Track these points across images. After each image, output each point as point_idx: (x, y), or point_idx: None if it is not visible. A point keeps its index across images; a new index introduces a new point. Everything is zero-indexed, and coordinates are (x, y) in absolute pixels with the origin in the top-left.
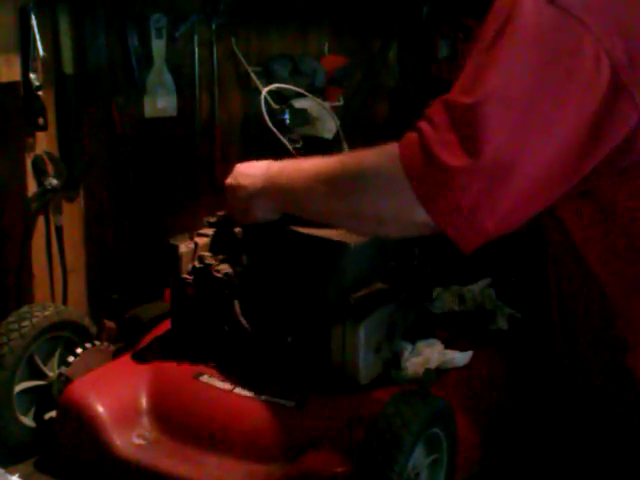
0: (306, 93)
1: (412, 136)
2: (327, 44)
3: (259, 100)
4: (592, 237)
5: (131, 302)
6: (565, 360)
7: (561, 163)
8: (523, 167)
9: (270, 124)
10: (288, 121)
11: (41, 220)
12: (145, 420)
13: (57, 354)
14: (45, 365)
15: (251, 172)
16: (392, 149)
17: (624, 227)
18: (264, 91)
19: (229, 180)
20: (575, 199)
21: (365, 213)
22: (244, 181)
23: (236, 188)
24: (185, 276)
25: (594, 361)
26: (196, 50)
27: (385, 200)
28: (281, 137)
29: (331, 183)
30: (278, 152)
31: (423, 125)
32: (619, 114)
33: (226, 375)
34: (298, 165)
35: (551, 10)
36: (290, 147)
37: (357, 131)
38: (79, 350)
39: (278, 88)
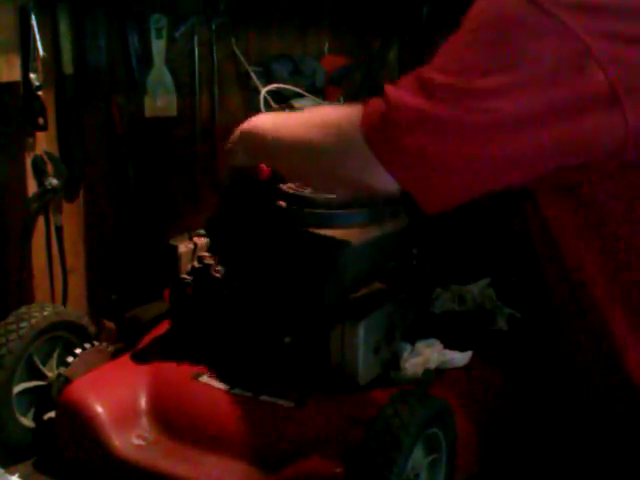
0: (305, 93)
1: (376, 101)
2: (327, 44)
3: (259, 100)
4: (570, 232)
5: (130, 302)
6: (562, 358)
7: (533, 158)
8: (489, 151)
9: None
10: None
11: (41, 220)
12: (144, 420)
13: (56, 354)
14: (44, 366)
15: (253, 119)
16: (356, 114)
17: (600, 227)
18: (263, 91)
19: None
20: (557, 192)
21: (324, 173)
22: (242, 126)
23: (234, 133)
24: (184, 276)
25: (589, 359)
26: (196, 50)
27: (344, 162)
28: None
29: (296, 140)
30: None
31: (390, 92)
32: (607, 126)
33: (225, 375)
34: (276, 117)
35: (535, 12)
36: None
37: None
38: (78, 350)
39: (278, 88)
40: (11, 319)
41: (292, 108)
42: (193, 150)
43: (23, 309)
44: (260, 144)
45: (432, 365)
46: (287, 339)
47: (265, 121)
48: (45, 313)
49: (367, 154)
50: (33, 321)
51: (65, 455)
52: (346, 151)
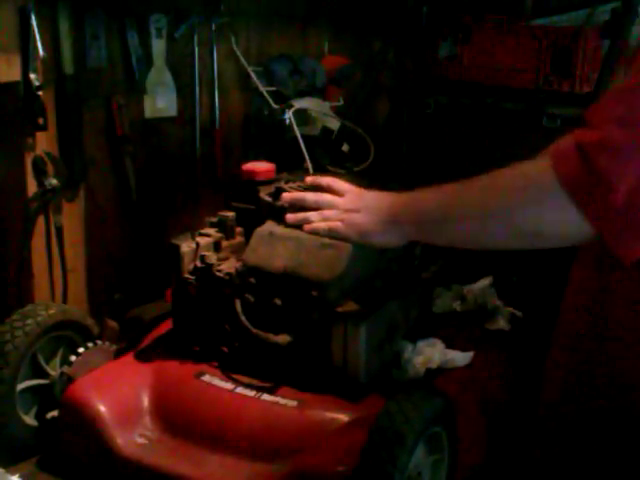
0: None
1: (566, 148)
2: (327, 44)
3: (260, 101)
4: None
5: (133, 302)
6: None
7: None
8: None
9: (300, 139)
10: (288, 121)
11: (41, 220)
12: (147, 419)
13: (59, 353)
14: (47, 364)
15: (377, 201)
16: (544, 164)
17: None
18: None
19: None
20: None
21: (522, 231)
22: (371, 212)
23: (364, 214)
24: (187, 276)
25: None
26: (196, 50)
27: (545, 216)
28: (305, 153)
29: (484, 206)
30: (278, 152)
31: (580, 136)
32: None
33: (227, 375)
34: (439, 193)
35: None
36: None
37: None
38: (81, 349)
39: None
40: (17, 316)
41: (291, 108)
42: (193, 150)
43: (29, 307)
44: (428, 221)
45: (434, 365)
46: (288, 338)
47: (425, 199)
48: (51, 312)
49: (566, 208)
50: (39, 319)
51: (67, 454)
52: (542, 209)
